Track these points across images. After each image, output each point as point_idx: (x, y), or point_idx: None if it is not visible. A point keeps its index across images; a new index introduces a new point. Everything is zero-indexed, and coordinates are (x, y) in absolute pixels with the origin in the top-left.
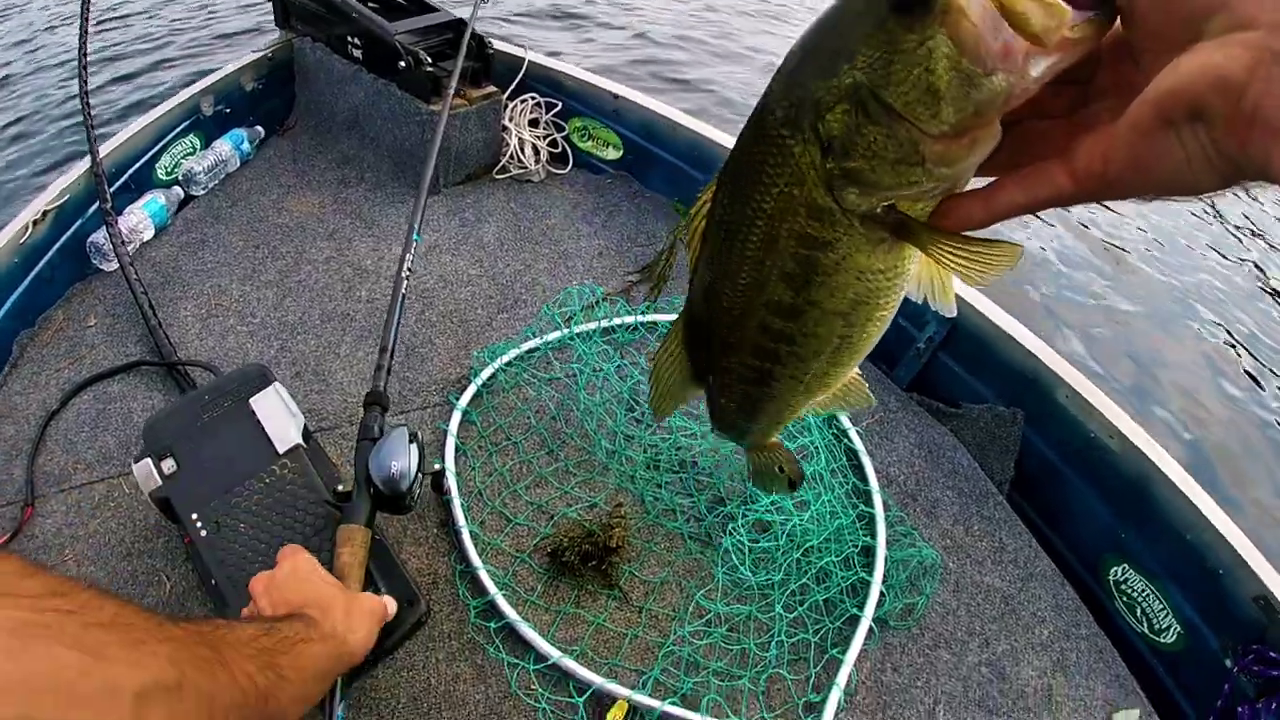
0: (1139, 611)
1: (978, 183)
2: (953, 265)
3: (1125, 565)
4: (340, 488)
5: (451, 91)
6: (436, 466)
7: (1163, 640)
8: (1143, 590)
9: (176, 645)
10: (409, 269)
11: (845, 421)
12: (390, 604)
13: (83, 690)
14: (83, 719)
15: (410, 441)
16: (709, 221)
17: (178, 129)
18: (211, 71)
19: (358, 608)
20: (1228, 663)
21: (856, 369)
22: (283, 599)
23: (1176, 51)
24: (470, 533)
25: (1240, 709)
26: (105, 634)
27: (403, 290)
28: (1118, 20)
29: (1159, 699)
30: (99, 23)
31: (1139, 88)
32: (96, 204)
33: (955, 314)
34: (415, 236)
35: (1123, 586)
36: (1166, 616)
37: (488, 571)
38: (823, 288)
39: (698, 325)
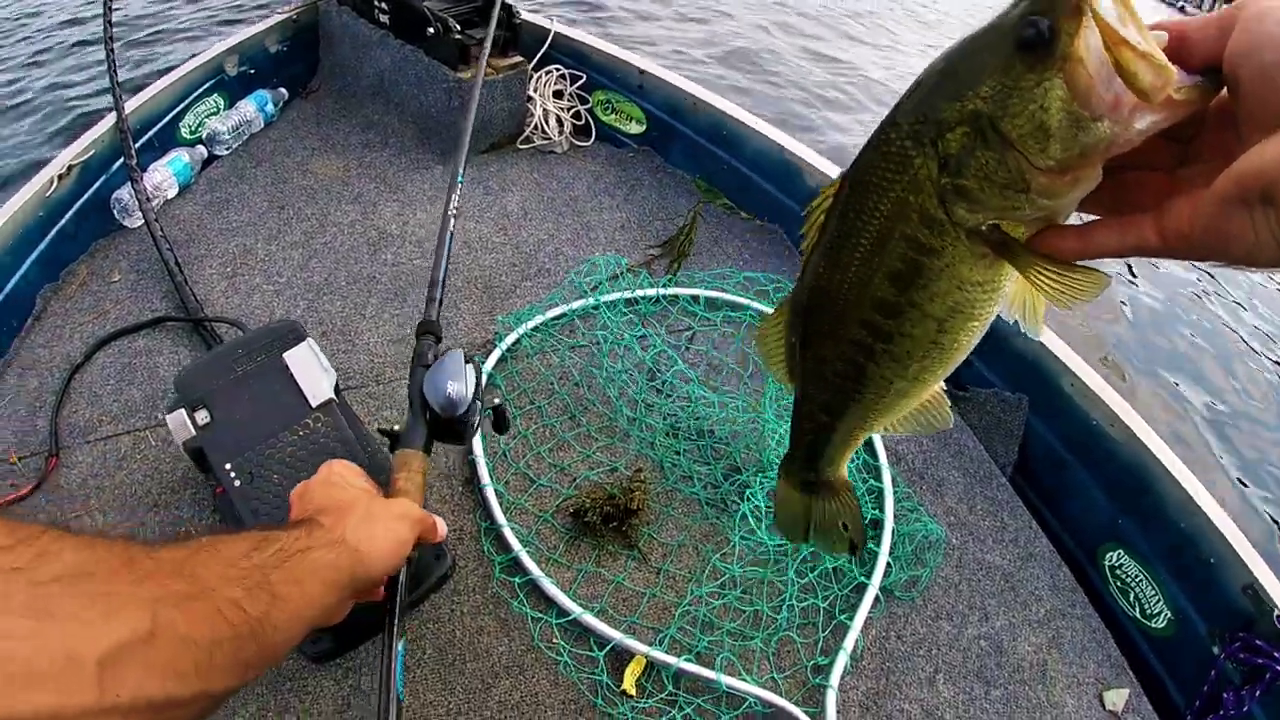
0: (1132, 596)
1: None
2: (1045, 288)
3: (1121, 551)
4: (394, 428)
5: (485, 58)
6: (496, 401)
7: (1154, 625)
8: (1136, 575)
9: (148, 586)
10: (455, 209)
11: None
12: (440, 524)
13: (38, 666)
14: (42, 701)
15: (466, 363)
16: (828, 215)
17: (202, 88)
18: (235, 32)
19: (383, 511)
20: (1215, 649)
21: (941, 384)
22: (307, 506)
23: (1271, 131)
24: (495, 491)
25: (1226, 694)
26: (61, 590)
27: (450, 228)
28: (1224, 89)
29: (1148, 681)
30: None
31: (1235, 158)
32: (121, 160)
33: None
34: (459, 178)
35: (1117, 571)
36: (1158, 602)
37: (512, 529)
38: (924, 290)
39: (801, 310)
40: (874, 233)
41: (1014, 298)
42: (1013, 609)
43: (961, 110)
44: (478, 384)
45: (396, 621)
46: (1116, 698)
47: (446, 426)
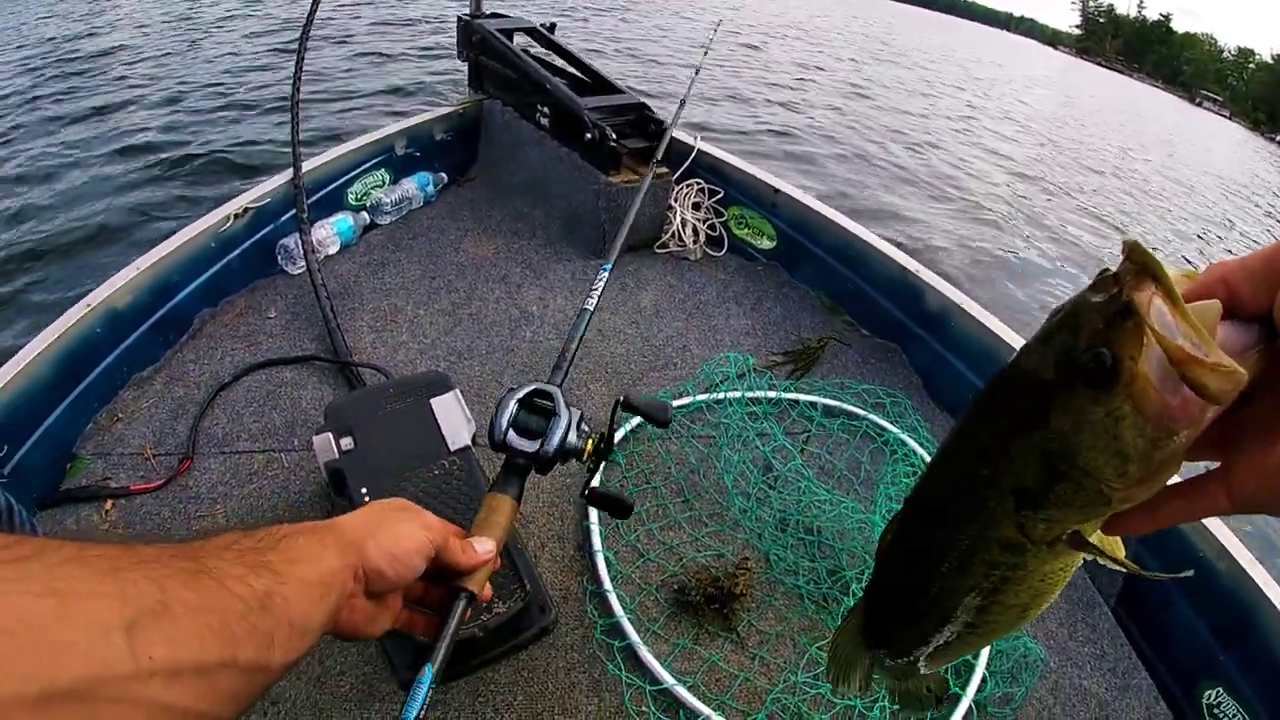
0: None
1: None
2: (1122, 565)
3: (1220, 689)
4: None
5: (654, 165)
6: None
7: None
8: (1234, 716)
9: (151, 565)
10: (596, 290)
11: None
12: (480, 544)
13: (67, 636)
14: (76, 671)
15: (510, 395)
16: (895, 539)
17: (371, 161)
18: (406, 116)
19: (387, 512)
20: None
21: None
22: None
23: None
24: (605, 557)
25: None
26: (74, 569)
27: (591, 307)
28: None
29: None
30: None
31: None
32: (293, 211)
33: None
34: (605, 267)
35: (1215, 710)
36: None
37: (615, 595)
38: (1008, 593)
39: (879, 612)
40: (954, 562)
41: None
42: None
43: (1031, 450)
44: (525, 410)
45: (443, 645)
46: None
47: (516, 464)
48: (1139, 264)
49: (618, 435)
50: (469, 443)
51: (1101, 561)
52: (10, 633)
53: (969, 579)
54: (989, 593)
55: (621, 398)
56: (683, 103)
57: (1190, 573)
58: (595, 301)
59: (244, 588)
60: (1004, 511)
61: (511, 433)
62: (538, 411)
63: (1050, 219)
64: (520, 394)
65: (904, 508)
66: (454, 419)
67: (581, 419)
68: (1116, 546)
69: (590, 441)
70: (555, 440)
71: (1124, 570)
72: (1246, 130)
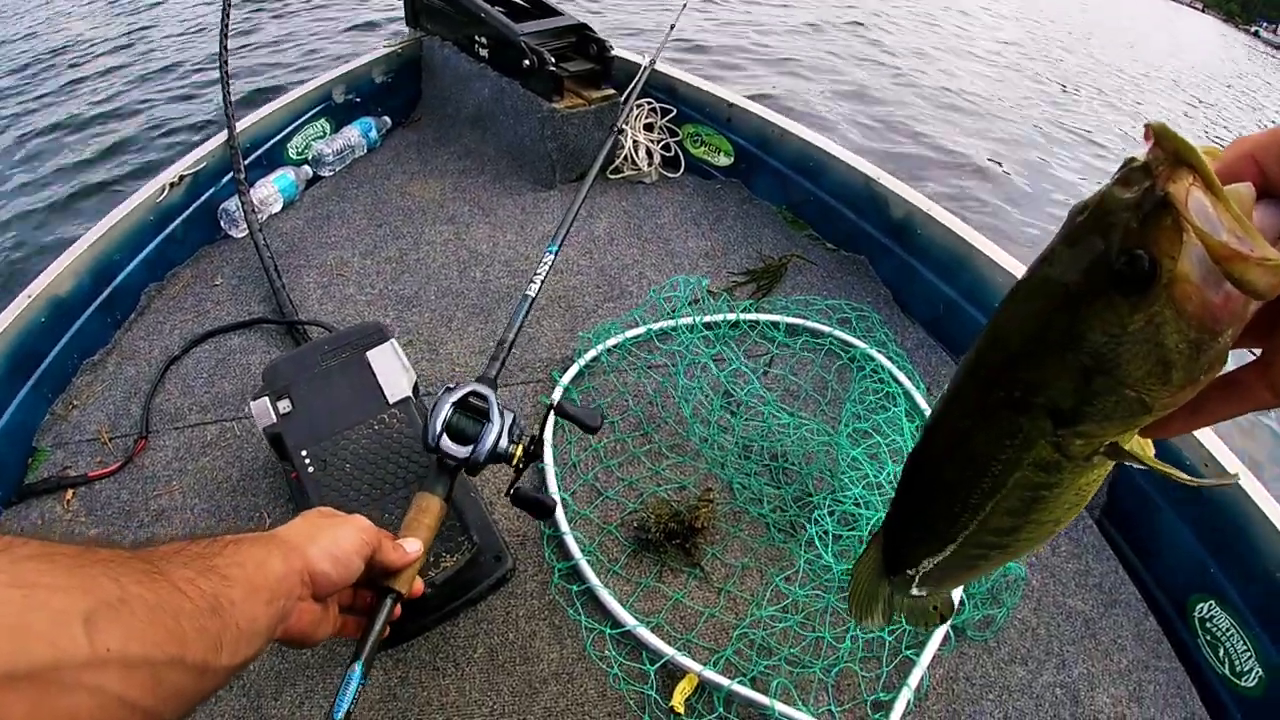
0: (1221, 651)
1: None
2: (1160, 467)
3: (1212, 602)
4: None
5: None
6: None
7: (1243, 684)
8: (1227, 629)
9: (110, 564)
10: (539, 275)
11: None
12: (409, 544)
13: (31, 624)
14: (38, 654)
15: (445, 394)
16: (916, 469)
17: (310, 113)
18: (344, 61)
19: (320, 516)
20: None
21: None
22: None
23: None
24: (561, 499)
25: None
26: (37, 565)
27: (531, 294)
28: None
29: None
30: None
31: None
32: (231, 174)
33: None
34: (550, 249)
35: (1207, 624)
36: (1250, 659)
37: (574, 537)
38: (1042, 511)
39: (901, 542)
40: (985, 488)
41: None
42: (1092, 657)
43: (1068, 368)
44: (460, 413)
45: (364, 649)
46: None
47: (451, 465)
48: (1171, 151)
49: (571, 371)
50: (409, 394)
51: (1141, 467)
52: None
53: (1003, 503)
54: (1021, 513)
55: (554, 403)
56: (671, 27)
57: (1237, 476)
58: (538, 288)
59: (194, 589)
60: (1040, 432)
61: (445, 437)
62: (472, 412)
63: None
64: (455, 397)
65: (923, 436)
66: (392, 370)
67: (515, 422)
68: (1146, 448)
69: (520, 446)
70: (485, 447)
71: (1166, 476)
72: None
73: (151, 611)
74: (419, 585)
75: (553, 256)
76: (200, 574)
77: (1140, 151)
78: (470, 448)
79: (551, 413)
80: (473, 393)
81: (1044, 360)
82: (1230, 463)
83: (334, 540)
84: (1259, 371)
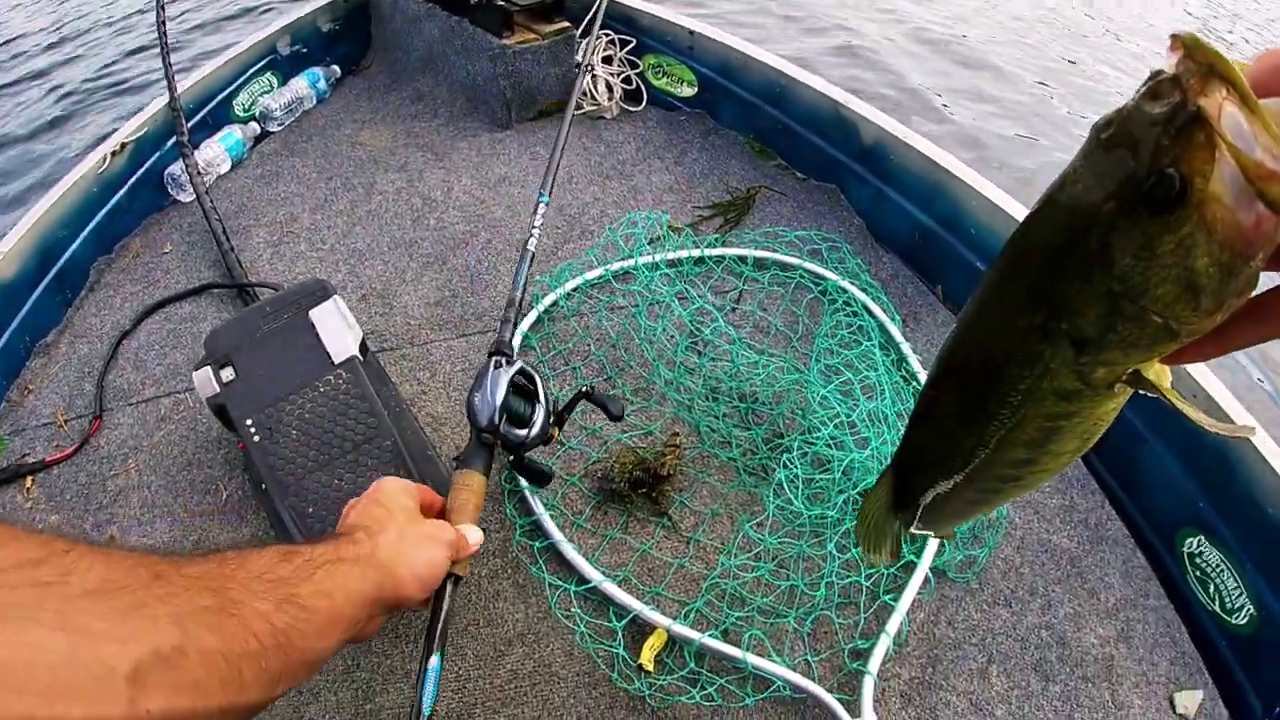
0: (1211, 588)
1: None
2: (1179, 402)
3: (1201, 537)
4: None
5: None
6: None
7: (1234, 621)
8: (1218, 565)
9: (177, 601)
10: (537, 227)
11: (916, 365)
12: (471, 534)
13: (69, 678)
14: (75, 712)
15: (495, 370)
16: (928, 403)
17: (255, 67)
18: (288, 12)
19: (415, 531)
20: None
21: None
22: (349, 523)
23: None
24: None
25: None
26: (92, 604)
27: (531, 248)
28: None
29: (1224, 683)
30: None
31: None
32: (174, 138)
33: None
34: (542, 199)
35: (1196, 560)
36: (1240, 596)
37: (535, 492)
38: (1061, 441)
39: (912, 479)
40: (1004, 420)
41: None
42: (1079, 597)
43: (1094, 294)
44: (513, 394)
45: (436, 639)
46: (1189, 700)
47: (494, 443)
48: (1204, 63)
49: (529, 318)
50: (354, 353)
51: (1160, 397)
52: (16, 665)
53: (1022, 435)
54: (1039, 444)
55: (586, 389)
56: None
57: (1254, 429)
58: (536, 241)
59: (265, 626)
60: (1062, 361)
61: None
62: (519, 393)
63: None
64: (508, 377)
65: (936, 368)
66: (336, 329)
67: (554, 402)
68: (1164, 377)
69: (557, 428)
70: (538, 429)
71: (1182, 413)
72: None
73: (210, 661)
74: (466, 567)
75: (545, 206)
76: (278, 606)
77: (1168, 62)
78: (525, 430)
79: (578, 399)
80: (521, 371)
81: (1067, 286)
82: (1221, 395)
83: (428, 564)
84: None
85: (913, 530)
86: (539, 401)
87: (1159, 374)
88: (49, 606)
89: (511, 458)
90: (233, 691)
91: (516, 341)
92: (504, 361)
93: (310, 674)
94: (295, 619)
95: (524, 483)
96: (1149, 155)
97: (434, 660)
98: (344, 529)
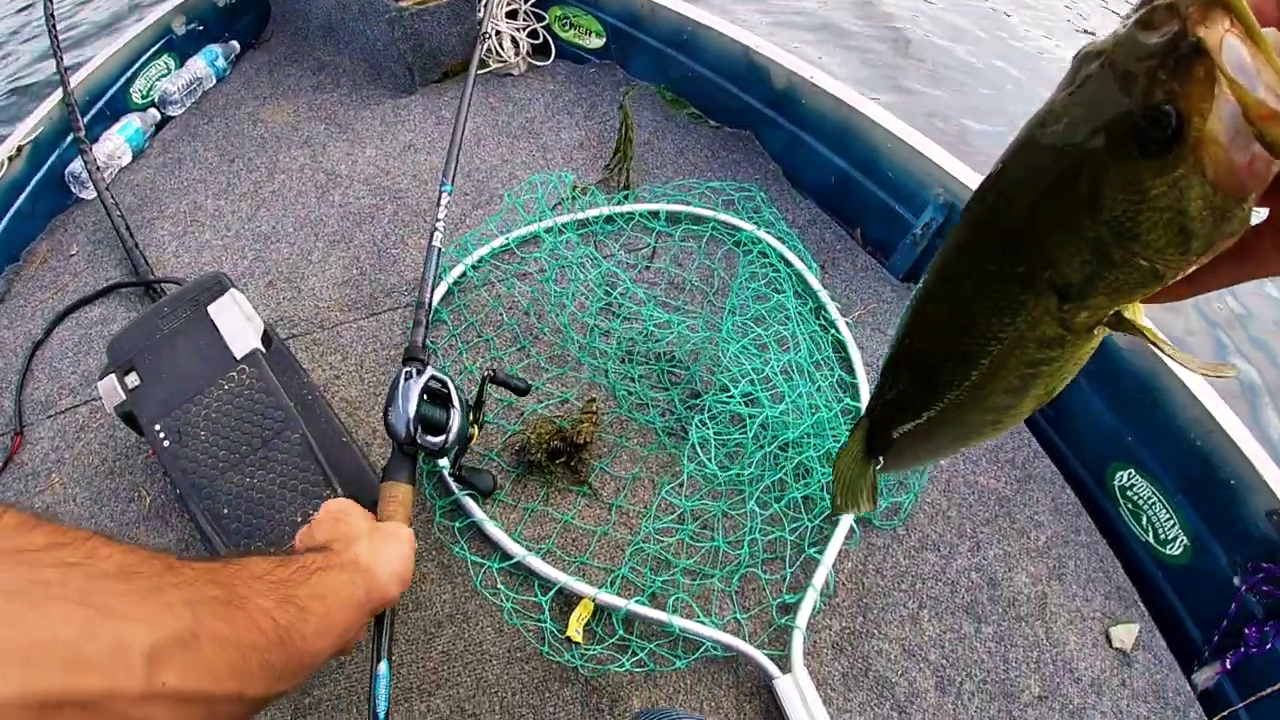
0: (1144, 520)
1: None
2: (1158, 343)
3: (1132, 470)
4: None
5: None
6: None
7: (1168, 552)
8: (1149, 497)
9: (189, 590)
10: (441, 219)
11: (834, 312)
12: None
13: (88, 653)
14: (91, 685)
15: (407, 381)
16: (906, 353)
17: (150, 50)
18: None
19: (382, 535)
20: (1236, 580)
21: None
22: (312, 543)
23: None
24: None
25: (1247, 630)
26: (113, 585)
27: (437, 244)
28: None
29: (1160, 615)
30: None
31: None
32: (71, 135)
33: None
34: (445, 188)
35: (1128, 493)
36: (1173, 527)
37: (450, 471)
38: (1038, 385)
39: (890, 428)
40: (985, 368)
41: None
42: (1009, 537)
43: (1082, 241)
44: (426, 401)
45: (381, 643)
46: (1125, 634)
47: (415, 452)
48: None
49: (439, 292)
50: (257, 345)
51: (1139, 338)
52: (39, 639)
53: (1002, 382)
54: (1018, 390)
55: (488, 373)
56: None
57: (1235, 370)
58: (441, 235)
59: (269, 622)
60: (1045, 309)
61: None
62: (433, 398)
63: None
64: (419, 387)
65: (910, 317)
66: (235, 323)
67: (468, 402)
68: (1137, 314)
69: (477, 426)
70: (454, 434)
71: (1162, 349)
72: None
73: (220, 648)
74: None
75: (448, 195)
76: (279, 604)
77: None
78: (442, 437)
79: (485, 384)
80: (433, 378)
81: (1051, 232)
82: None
83: (402, 562)
84: (1268, 235)
85: (877, 469)
86: (453, 406)
87: (1134, 312)
88: (74, 585)
89: (449, 472)
90: (241, 680)
91: (420, 339)
92: (414, 372)
93: (306, 676)
94: (295, 618)
95: (442, 462)
96: (1143, 90)
97: (382, 666)
98: (316, 546)
